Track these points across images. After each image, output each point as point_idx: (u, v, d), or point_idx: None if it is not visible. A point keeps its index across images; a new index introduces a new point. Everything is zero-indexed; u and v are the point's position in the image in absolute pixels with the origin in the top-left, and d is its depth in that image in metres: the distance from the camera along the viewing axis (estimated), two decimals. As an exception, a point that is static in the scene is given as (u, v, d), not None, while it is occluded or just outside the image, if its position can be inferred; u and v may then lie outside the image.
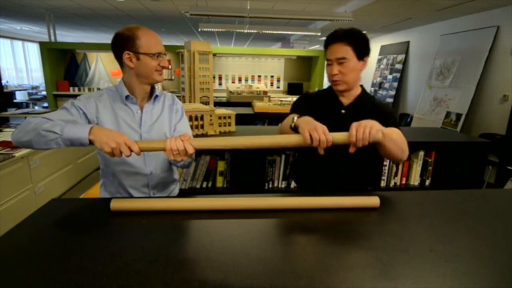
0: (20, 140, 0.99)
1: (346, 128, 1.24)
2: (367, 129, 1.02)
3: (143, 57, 1.13)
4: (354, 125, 1.04)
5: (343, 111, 1.35)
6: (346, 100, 1.37)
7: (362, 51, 1.27)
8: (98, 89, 6.16)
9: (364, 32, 1.29)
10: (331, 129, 1.29)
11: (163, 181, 1.32)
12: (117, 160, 1.19)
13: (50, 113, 1.06)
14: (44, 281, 0.66)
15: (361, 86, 1.40)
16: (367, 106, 1.35)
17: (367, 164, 1.44)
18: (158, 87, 6.22)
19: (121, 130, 1.18)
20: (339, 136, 1.04)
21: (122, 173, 1.24)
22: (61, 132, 0.95)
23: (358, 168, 1.40)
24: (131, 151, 0.95)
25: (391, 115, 1.37)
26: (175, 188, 1.42)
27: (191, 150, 0.97)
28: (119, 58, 1.15)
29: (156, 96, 1.28)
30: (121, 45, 1.13)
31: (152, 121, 1.25)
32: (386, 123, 1.28)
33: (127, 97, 1.20)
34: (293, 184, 2.20)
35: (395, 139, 1.17)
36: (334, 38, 1.27)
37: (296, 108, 1.40)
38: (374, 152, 1.28)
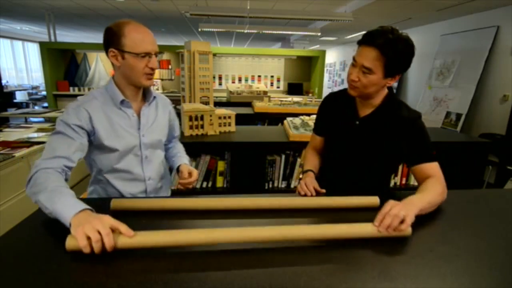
0: (34, 200, 0.88)
1: (358, 142, 1.19)
2: (397, 220, 0.83)
3: (128, 56, 1.04)
4: (387, 207, 0.87)
5: (357, 122, 1.20)
6: (364, 109, 1.19)
7: (395, 69, 1.05)
8: (98, 89, 6.11)
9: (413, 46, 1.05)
10: (343, 141, 1.25)
11: (160, 185, 1.30)
12: (114, 167, 1.15)
13: (53, 146, 0.98)
14: (44, 281, 0.66)
15: (389, 90, 1.19)
16: (387, 120, 1.14)
17: (381, 177, 1.30)
18: (158, 88, 6.23)
19: (118, 135, 1.12)
20: (361, 228, 0.86)
21: (119, 180, 1.18)
22: (51, 207, 0.82)
23: (371, 179, 1.26)
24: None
25: (424, 140, 1.12)
26: (168, 192, 1.41)
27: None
28: (107, 55, 1.07)
29: (154, 97, 1.23)
30: (108, 41, 1.05)
31: (149, 124, 1.21)
32: (417, 151, 1.11)
33: (122, 101, 1.12)
34: (293, 184, 2.20)
35: (433, 204, 1.00)
36: (369, 39, 1.03)
37: (320, 112, 1.36)
38: (390, 165, 1.25)
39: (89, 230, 0.71)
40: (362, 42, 1.06)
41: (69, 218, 0.76)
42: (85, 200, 0.89)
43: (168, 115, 1.32)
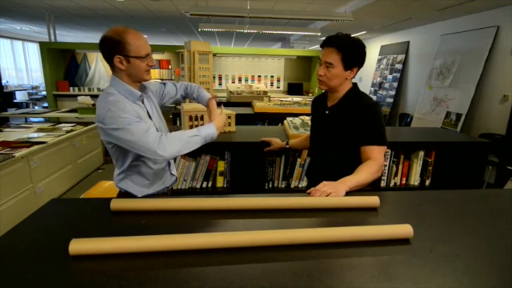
0: (179, 146, 1.15)
1: (328, 129, 1.42)
2: (324, 196, 1.09)
3: (133, 60, 1.19)
4: (320, 185, 1.12)
5: (327, 112, 1.43)
6: (332, 101, 1.42)
7: (351, 62, 1.30)
8: (98, 89, 6.11)
9: (361, 41, 1.31)
10: (317, 129, 1.51)
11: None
12: None
13: (144, 128, 1.13)
14: (44, 281, 0.66)
15: (353, 84, 1.39)
16: (350, 108, 1.34)
17: (354, 163, 1.34)
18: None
19: (146, 123, 1.26)
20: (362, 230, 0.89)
21: (151, 160, 1.30)
22: (200, 133, 1.20)
23: (343, 165, 1.35)
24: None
25: (374, 124, 1.30)
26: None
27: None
28: (109, 60, 1.20)
29: (145, 88, 1.36)
30: (112, 49, 1.16)
31: (153, 109, 1.38)
32: (366, 133, 1.30)
33: (140, 95, 1.27)
34: (293, 184, 2.20)
35: (364, 182, 1.20)
36: (328, 42, 1.30)
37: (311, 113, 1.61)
38: (358, 157, 1.33)
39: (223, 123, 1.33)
40: (324, 45, 1.33)
41: (214, 129, 1.25)
42: (86, 200, 0.89)
43: (156, 97, 1.45)
